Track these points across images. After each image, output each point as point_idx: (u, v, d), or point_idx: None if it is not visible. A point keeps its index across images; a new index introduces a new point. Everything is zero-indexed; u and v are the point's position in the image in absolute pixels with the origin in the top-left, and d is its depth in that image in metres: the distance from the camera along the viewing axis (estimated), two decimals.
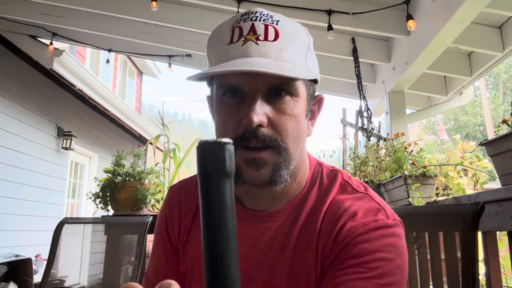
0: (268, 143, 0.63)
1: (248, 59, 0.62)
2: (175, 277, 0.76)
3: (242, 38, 0.64)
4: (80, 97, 5.41)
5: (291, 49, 0.65)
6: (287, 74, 0.61)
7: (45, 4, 3.33)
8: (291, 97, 0.65)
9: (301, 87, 0.67)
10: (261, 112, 0.62)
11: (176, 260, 0.79)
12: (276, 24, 0.65)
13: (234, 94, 0.65)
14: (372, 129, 3.05)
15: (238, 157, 0.64)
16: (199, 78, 0.68)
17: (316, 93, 0.77)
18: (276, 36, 0.64)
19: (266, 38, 0.64)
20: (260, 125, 0.63)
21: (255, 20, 0.65)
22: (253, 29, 0.64)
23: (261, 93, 0.64)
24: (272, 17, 0.66)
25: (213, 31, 0.71)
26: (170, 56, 3.79)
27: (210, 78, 0.71)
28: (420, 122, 17.20)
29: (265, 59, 0.63)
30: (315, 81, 0.73)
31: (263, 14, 0.66)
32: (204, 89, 0.83)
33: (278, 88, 0.64)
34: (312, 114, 0.75)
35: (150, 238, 1.49)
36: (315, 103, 0.77)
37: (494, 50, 2.62)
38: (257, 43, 0.63)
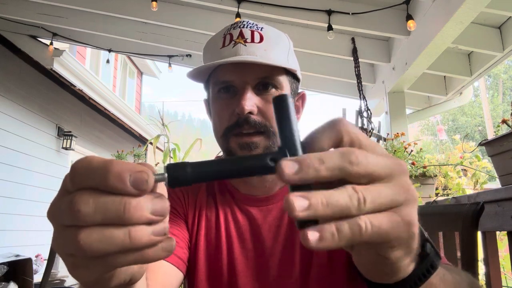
0: (259, 129, 0.73)
1: (238, 56, 0.73)
2: (185, 239, 0.77)
3: (233, 42, 0.75)
4: (80, 97, 5.41)
5: (274, 49, 0.76)
6: (271, 63, 0.72)
7: (45, 4, 3.32)
8: (276, 90, 0.75)
9: (285, 82, 0.77)
10: (251, 102, 0.72)
11: (187, 229, 0.79)
12: (261, 30, 0.77)
13: (227, 90, 0.75)
14: (372, 129, 3.05)
15: (232, 143, 0.74)
16: (196, 78, 0.81)
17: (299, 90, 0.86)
18: (261, 39, 0.75)
19: (252, 41, 0.75)
20: (251, 113, 0.72)
21: (243, 27, 0.77)
22: (241, 34, 0.76)
23: (251, 86, 0.74)
24: (257, 25, 0.78)
25: (207, 42, 0.82)
26: (170, 56, 3.78)
27: (206, 81, 0.82)
28: (420, 122, 17.22)
29: (252, 56, 0.73)
30: (297, 80, 0.83)
31: (249, 23, 0.78)
32: (203, 90, 0.85)
33: (265, 82, 0.74)
34: (296, 109, 0.84)
35: None
36: (299, 99, 0.85)
37: (494, 50, 2.62)
38: (245, 45, 0.74)
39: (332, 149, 0.31)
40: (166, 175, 0.31)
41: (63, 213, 0.29)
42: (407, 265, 0.36)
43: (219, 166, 0.32)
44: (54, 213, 0.31)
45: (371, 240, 0.30)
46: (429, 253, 0.39)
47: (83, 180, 0.29)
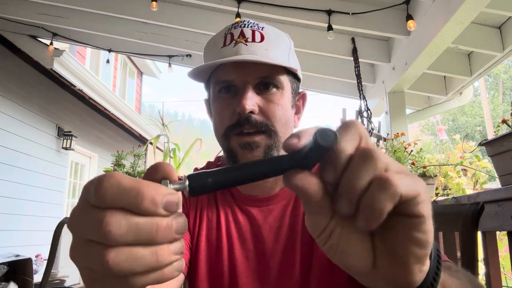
0: (260, 128, 0.73)
1: (239, 56, 0.72)
2: (186, 240, 0.77)
3: (233, 42, 0.75)
4: (80, 97, 5.41)
5: (275, 49, 0.76)
6: (272, 62, 0.71)
7: (45, 4, 3.32)
8: (277, 89, 0.75)
9: (285, 81, 0.77)
10: (252, 101, 0.72)
11: (188, 230, 0.79)
12: (262, 29, 0.77)
13: (228, 89, 0.75)
14: (372, 129, 3.05)
15: (233, 143, 0.74)
16: (197, 77, 0.80)
17: (300, 90, 0.86)
18: (262, 38, 0.75)
19: (253, 40, 0.75)
20: (252, 112, 0.72)
21: (244, 27, 0.77)
22: (242, 34, 0.75)
23: (252, 86, 0.73)
24: (258, 25, 0.78)
25: (208, 41, 0.82)
26: (170, 56, 3.79)
27: (207, 81, 0.82)
28: (419, 122, 17.22)
29: (253, 56, 0.73)
30: (298, 80, 0.82)
31: (250, 22, 0.78)
32: (203, 90, 0.85)
33: (266, 82, 0.74)
34: (297, 109, 0.84)
35: None
36: (299, 98, 0.85)
37: (494, 50, 2.62)
38: (246, 44, 0.74)
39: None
40: (186, 184, 0.32)
41: (90, 229, 0.29)
42: (430, 245, 0.34)
43: (236, 173, 0.33)
44: (77, 226, 0.30)
45: (407, 195, 0.31)
46: (433, 245, 0.39)
47: (114, 200, 0.28)
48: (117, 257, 0.28)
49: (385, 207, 0.30)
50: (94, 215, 0.29)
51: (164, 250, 0.29)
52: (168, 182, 0.32)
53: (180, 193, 0.31)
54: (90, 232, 0.29)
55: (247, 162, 0.35)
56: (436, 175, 2.28)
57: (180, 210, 0.33)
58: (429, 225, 0.33)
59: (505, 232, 1.45)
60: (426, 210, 0.32)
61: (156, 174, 0.32)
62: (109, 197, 0.28)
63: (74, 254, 0.31)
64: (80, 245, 0.30)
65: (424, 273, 0.36)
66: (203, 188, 0.32)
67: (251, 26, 0.77)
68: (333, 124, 0.35)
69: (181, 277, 0.73)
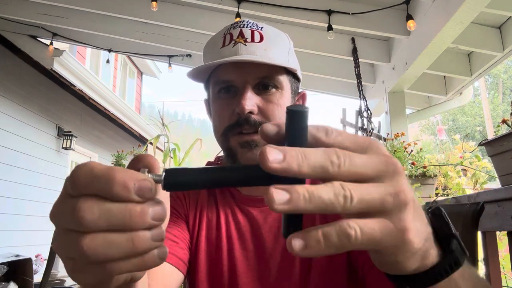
0: (258, 128, 0.68)
1: (238, 56, 0.72)
2: (186, 240, 0.77)
3: (233, 42, 0.75)
4: (80, 97, 5.41)
5: (274, 49, 0.76)
6: (271, 62, 0.72)
7: (45, 4, 3.33)
8: (277, 89, 0.75)
9: (285, 82, 0.77)
10: (251, 101, 0.72)
11: (187, 230, 0.79)
12: (261, 29, 0.77)
13: (227, 90, 0.75)
14: (372, 129, 3.05)
15: (233, 142, 0.74)
16: (197, 78, 0.81)
17: (300, 90, 0.86)
18: (261, 38, 0.75)
19: (252, 40, 0.75)
20: (251, 112, 0.72)
21: (243, 27, 0.77)
22: (241, 34, 0.75)
23: (251, 86, 0.74)
24: (257, 25, 0.78)
25: (207, 42, 0.82)
26: (170, 56, 3.79)
27: (206, 81, 0.82)
28: (419, 122, 17.22)
29: (252, 56, 0.73)
30: (297, 79, 0.82)
31: (249, 22, 0.78)
32: (203, 90, 0.85)
33: (265, 82, 0.74)
34: None
35: None
36: (299, 98, 0.85)
37: (494, 50, 2.62)
38: (245, 44, 0.74)
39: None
40: (162, 177, 0.31)
41: (66, 217, 0.29)
42: (417, 263, 0.34)
43: (218, 174, 0.32)
44: (56, 215, 0.31)
45: (361, 247, 0.28)
46: (454, 250, 0.37)
47: (86, 187, 0.29)
48: (92, 243, 0.28)
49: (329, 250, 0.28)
50: (69, 203, 0.29)
51: (140, 236, 0.29)
52: (147, 171, 0.31)
53: (153, 181, 0.31)
54: (67, 221, 0.29)
55: (231, 166, 0.35)
56: (436, 175, 2.28)
57: (166, 194, 0.32)
58: (407, 264, 0.33)
59: (505, 232, 1.45)
60: (413, 262, 0.32)
61: (138, 164, 0.32)
62: (81, 184, 0.29)
63: (57, 245, 0.31)
64: (60, 235, 0.30)
65: (413, 273, 0.35)
66: (179, 185, 0.31)
67: (250, 26, 0.77)
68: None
69: (181, 277, 0.73)
